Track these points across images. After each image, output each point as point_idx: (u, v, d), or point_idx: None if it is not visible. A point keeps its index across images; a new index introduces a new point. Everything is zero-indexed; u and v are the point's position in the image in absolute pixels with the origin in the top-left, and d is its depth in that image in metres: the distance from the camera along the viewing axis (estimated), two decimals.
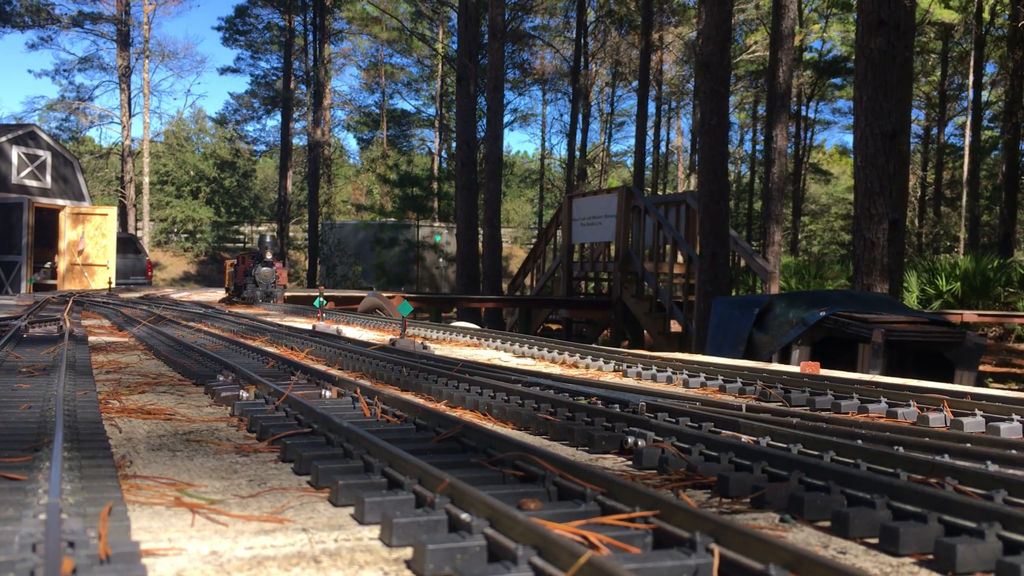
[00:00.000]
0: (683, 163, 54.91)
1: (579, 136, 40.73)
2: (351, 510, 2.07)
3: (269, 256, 17.86)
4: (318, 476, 2.31)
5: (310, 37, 45.33)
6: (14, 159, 27.81)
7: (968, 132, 35.16)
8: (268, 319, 11.59)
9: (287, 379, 4.28)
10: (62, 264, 27.58)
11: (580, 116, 40.67)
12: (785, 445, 2.78)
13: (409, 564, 1.68)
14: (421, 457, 2.21)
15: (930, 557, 1.77)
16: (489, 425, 3.42)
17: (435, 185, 42.21)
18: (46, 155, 28.99)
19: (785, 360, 9.33)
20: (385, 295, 16.72)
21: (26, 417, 3.01)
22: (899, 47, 11.62)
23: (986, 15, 31.26)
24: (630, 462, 2.81)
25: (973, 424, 3.51)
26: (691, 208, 17.39)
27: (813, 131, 48.70)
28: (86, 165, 44.42)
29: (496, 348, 7.98)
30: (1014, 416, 3.48)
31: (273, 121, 56.93)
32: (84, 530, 1.55)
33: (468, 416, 3.63)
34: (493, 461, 2.37)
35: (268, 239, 18.27)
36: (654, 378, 5.36)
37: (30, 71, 77.43)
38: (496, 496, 1.80)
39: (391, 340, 7.62)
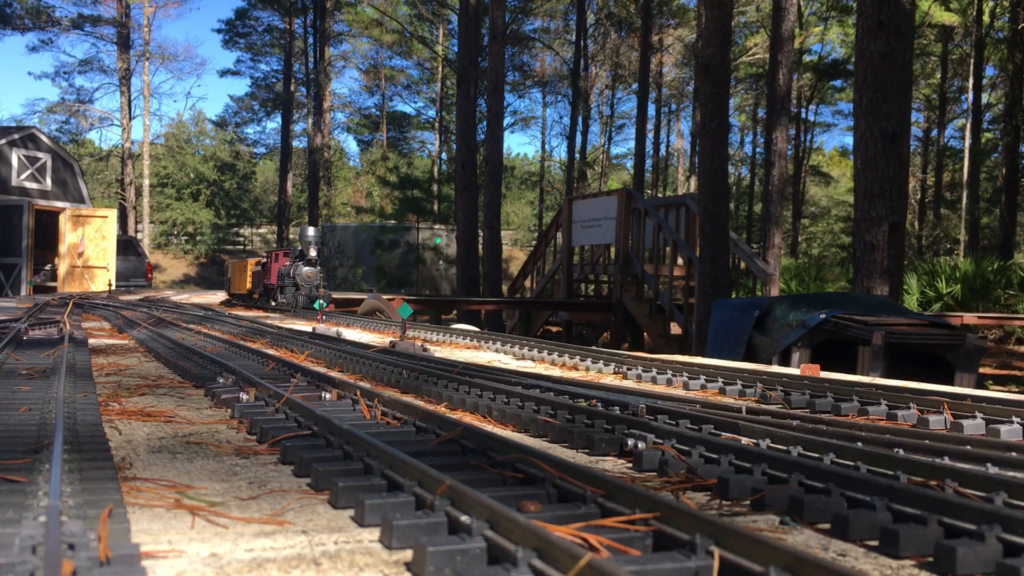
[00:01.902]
0: (683, 165, 54.94)
1: (579, 138, 40.77)
2: (351, 512, 2.07)
3: (313, 253, 14.77)
4: (318, 478, 2.31)
5: (310, 40, 45.43)
6: (14, 161, 27.83)
7: (968, 134, 35.17)
8: (268, 321, 11.60)
9: (287, 381, 4.29)
10: (62, 266, 27.59)
11: (580, 118, 40.68)
12: (785, 447, 2.78)
13: (409, 566, 1.68)
14: (421, 459, 2.21)
15: (930, 559, 1.77)
16: (489, 427, 3.42)
17: (435, 187, 42.22)
18: (46, 157, 29.01)
19: (785, 362, 9.33)
20: (385, 297, 16.52)
21: (26, 419, 3.01)
22: (899, 49, 11.64)
23: (986, 18, 31.26)
24: (630, 464, 2.81)
25: (973, 426, 3.51)
26: (691, 210, 17.39)
27: (813, 133, 48.77)
28: (86, 167, 44.44)
29: (496, 350, 7.98)
30: (1014, 418, 3.48)
31: (273, 123, 57.09)
32: (84, 532, 1.55)
33: (468, 418, 3.63)
34: (493, 463, 2.37)
35: (311, 232, 15.03)
36: (654, 380, 5.36)
37: (30, 73, 77.47)
38: (496, 498, 1.80)
39: (391, 342, 7.62)
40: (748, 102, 47.13)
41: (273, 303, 15.62)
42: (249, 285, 18.19)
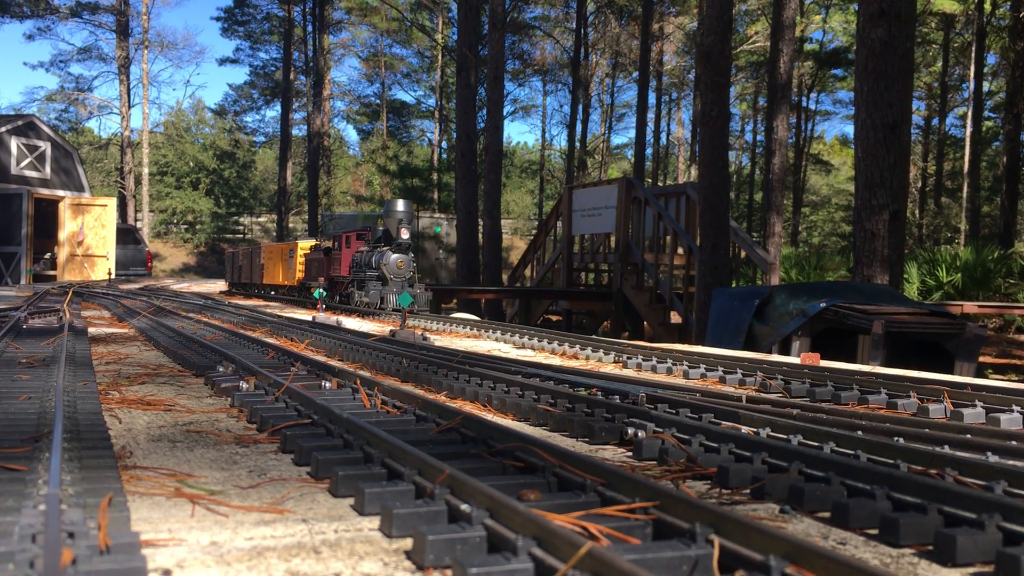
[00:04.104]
0: (683, 154, 54.83)
1: (579, 127, 40.68)
2: (351, 501, 2.07)
3: (405, 235, 11.20)
4: (318, 467, 2.31)
5: (309, 27, 45.27)
6: (14, 150, 27.78)
7: (969, 123, 35.11)
8: (268, 310, 11.59)
9: (287, 370, 4.29)
10: (62, 255, 27.58)
11: (580, 107, 40.58)
12: (785, 436, 2.78)
13: (409, 555, 1.68)
14: (421, 448, 2.21)
15: (930, 548, 1.78)
16: (489, 416, 3.42)
17: (435, 176, 42.19)
18: (46, 146, 28.96)
19: (785, 351, 9.34)
20: None
21: (26, 408, 3.01)
22: (900, 37, 11.59)
23: (987, 5, 31.14)
24: (630, 453, 2.81)
25: (973, 415, 3.51)
26: (691, 199, 17.36)
27: (814, 122, 48.64)
28: (85, 156, 44.36)
29: (496, 339, 7.98)
30: (1014, 407, 3.49)
31: (272, 112, 57.00)
32: (84, 521, 1.55)
33: (468, 407, 3.64)
34: (493, 452, 2.37)
35: (402, 207, 11.29)
36: (654, 369, 5.36)
37: (25, 63, 77.13)
38: (496, 487, 1.80)
39: (391, 331, 7.62)
40: (749, 90, 47.00)
41: (355, 304, 12.12)
42: (301, 276, 14.83)
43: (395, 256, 11.15)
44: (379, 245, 11.48)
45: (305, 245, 15.36)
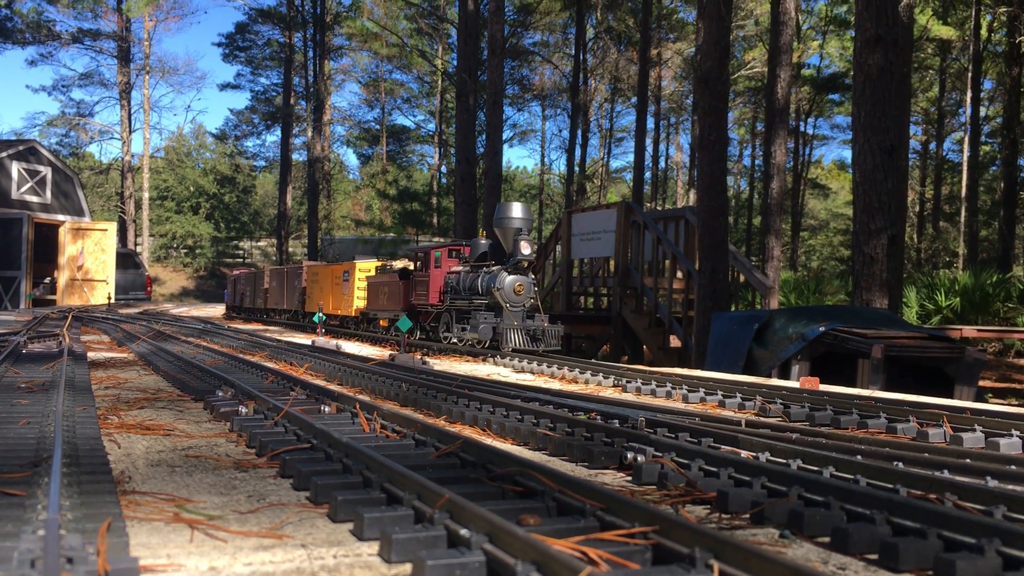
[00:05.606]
0: (682, 178, 55.04)
1: (578, 151, 40.85)
2: (350, 526, 2.06)
3: (526, 250, 8.82)
4: (317, 492, 2.31)
5: (310, 53, 45.60)
6: (14, 174, 27.88)
7: (966, 147, 35.26)
8: (267, 334, 11.59)
9: (286, 394, 4.28)
10: (61, 279, 27.60)
11: (579, 132, 40.77)
12: (784, 460, 2.78)
13: None
14: (420, 472, 2.21)
15: (930, 573, 1.77)
16: (488, 440, 3.42)
17: (434, 200, 42.30)
18: (46, 171, 29.07)
19: (785, 375, 9.32)
20: None
21: (25, 433, 3.00)
22: (897, 63, 11.68)
23: (984, 31, 31.39)
24: (629, 477, 2.81)
25: (973, 439, 3.51)
26: (690, 223, 17.40)
27: (812, 146, 48.84)
28: (86, 180, 44.53)
29: (495, 363, 7.97)
30: (1014, 432, 3.48)
31: (273, 137, 57.22)
32: (83, 546, 1.55)
33: (467, 431, 3.63)
34: (492, 476, 2.37)
35: (519, 212, 8.97)
36: (653, 393, 5.36)
37: (28, 87, 77.72)
38: (495, 511, 1.80)
39: (390, 355, 7.62)
40: (747, 115, 47.27)
41: (419, 334, 9.55)
42: (363, 304, 12.23)
43: (511, 278, 8.67)
44: (484, 263, 9.00)
45: (366, 266, 13.09)
